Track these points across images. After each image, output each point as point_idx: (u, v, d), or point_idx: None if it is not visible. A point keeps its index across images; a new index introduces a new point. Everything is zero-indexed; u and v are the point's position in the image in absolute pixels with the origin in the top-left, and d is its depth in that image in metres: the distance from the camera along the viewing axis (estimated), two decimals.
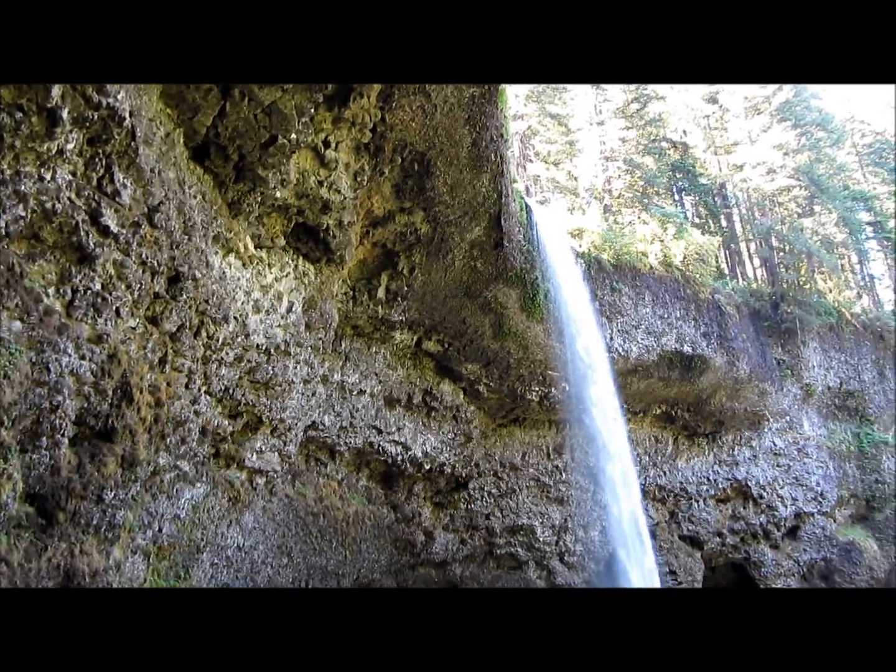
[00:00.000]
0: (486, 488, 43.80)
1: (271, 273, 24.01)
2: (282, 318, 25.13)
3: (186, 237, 18.24)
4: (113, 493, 17.88)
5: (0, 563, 15.67)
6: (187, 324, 21.00)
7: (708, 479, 52.48)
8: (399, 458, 36.85)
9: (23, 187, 12.71)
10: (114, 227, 15.42)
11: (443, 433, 38.34)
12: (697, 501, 53.55)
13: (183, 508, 24.30)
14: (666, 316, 42.25)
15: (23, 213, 12.97)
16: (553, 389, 38.43)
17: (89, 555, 17.71)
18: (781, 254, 61.52)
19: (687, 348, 42.50)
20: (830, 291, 59.64)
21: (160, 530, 23.47)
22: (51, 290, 14.74)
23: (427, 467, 38.61)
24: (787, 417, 53.78)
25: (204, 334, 22.04)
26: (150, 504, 23.09)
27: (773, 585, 55.65)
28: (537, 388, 38.12)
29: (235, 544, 27.29)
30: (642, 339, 40.78)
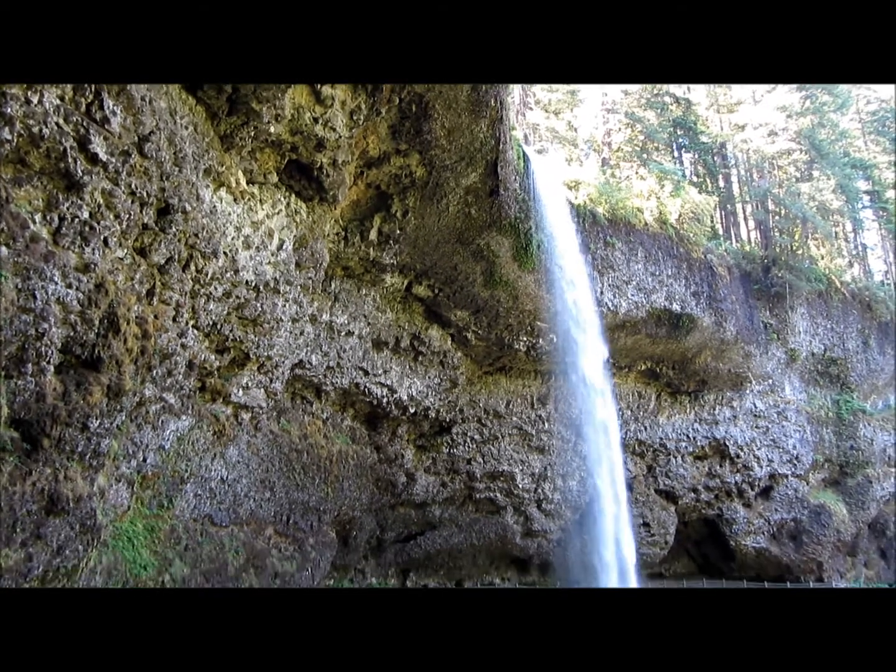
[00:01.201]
0: (468, 434, 44.44)
1: (263, 209, 23.78)
2: (272, 255, 24.99)
3: (177, 168, 17.98)
4: (98, 422, 18.04)
5: None
6: (176, 257, 20.87)
7: (687, 437, 53.39)
8: (384, 400, 37.21)
9: (9, 109, 12.46)
10: (103, 155, 15.16)
11: (429, 378, 38.65)
12: (675, 457, 54.57)
13: (168, 440, 24.57)
14: (657, 273, 42.28)
15: (9, 137, 12.74)
16: (541, 340, 38.67)
17: (73, 481, 17.96)
18: (777, 217, 61.25)
19: (676, 306, 42.68)
20: (822, 258, 59.72)
21: (144, 460, 23.77)
22: (37, 217, 14.55)
23: (412, 410, 39.04)
24: (770, 380, 54.43)
25: (193, 268, 21.93)
26: (135, 434, 23.33)
27: (743, 542, 57.14)
28: (525, 338, 38.33)
29: (219, 477, 27.70)
30: (632, 295, 40.88)
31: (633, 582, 41.10)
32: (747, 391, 53.66)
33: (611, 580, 40.06)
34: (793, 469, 56.57)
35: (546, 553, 52.24)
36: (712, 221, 56.10)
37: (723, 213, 67.98)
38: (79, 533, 18.18)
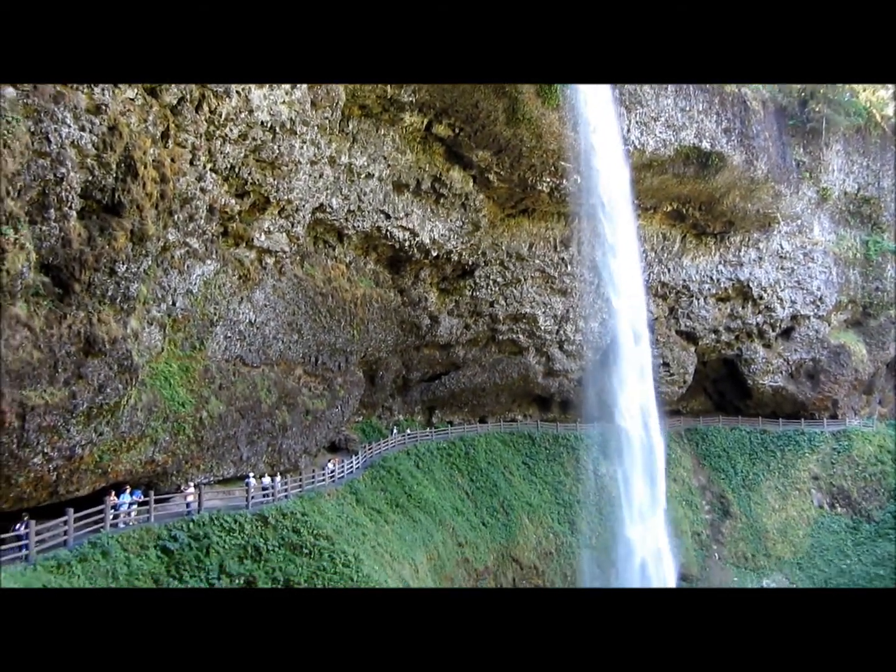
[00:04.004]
0: (491, 277, 44.67)
1: None
2: (286, 94, 24.20)
3: None
4: (125, 266, 18.42)
5: (23, 328, 16.61)
6: (188, 97, 20.32)
7: (711, 279, 53.24)
8: (406, 243, 37.21)
9: None
10: None
11: (451, 221, 38.36)
12: (698, 299, 54.76)
13: (195, 284, 25.07)
14: (688, 108, 40.40)
15: None
16: (564, 181, 37.81)
17: (107, 323, 18.64)
18: None
19: (706, 144, 41.12)
20: (864, 90, 56.24)
21: (174, 304, 24.42)
22: None
23: (434, 254, 39.10)
24: (799, 221, 53.29)
25: (206, 108, 21.39)
26: (162, 278, 23.82)
27: (761, 381, 58.42)
28: (548, 179, 37.47)
29: (247, 320, 28.47)
30: (661, 132, 39.32)
31: (654, 418, 42.55)
32: (774, 232, 52.72)
33: (630, 418, 41.57)
34: (815, 310, 56.64)
35: (567, 392, 54.00)
36: None
37: None
38: (117, 372, 19.11)
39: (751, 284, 53.73)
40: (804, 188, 51.41)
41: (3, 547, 17.35)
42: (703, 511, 53.69)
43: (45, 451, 17.21)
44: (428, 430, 48.24)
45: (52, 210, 16.18)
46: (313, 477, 30.25)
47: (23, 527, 18.23)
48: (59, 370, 17.03)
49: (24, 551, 17.34)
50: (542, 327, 48.50)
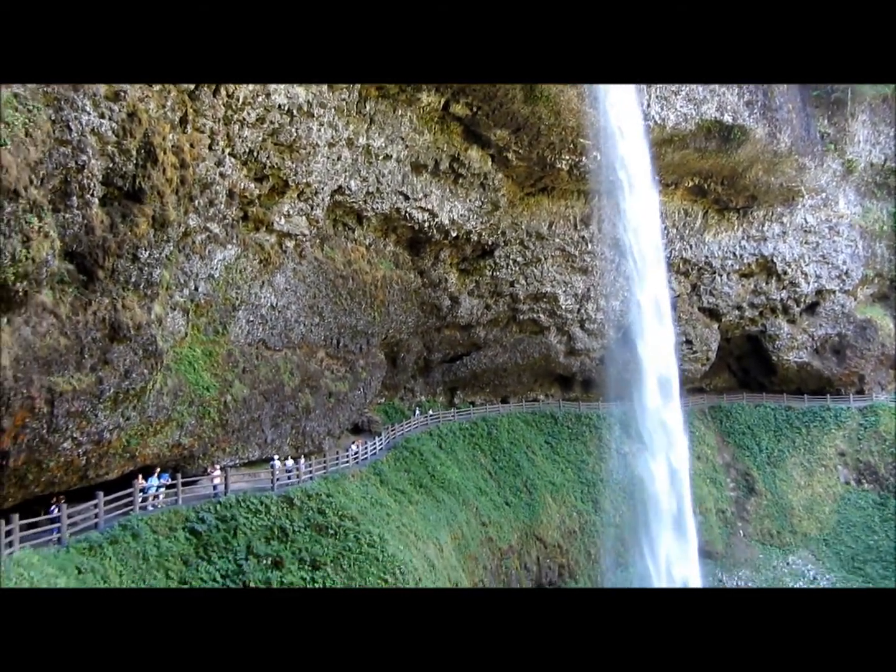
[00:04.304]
0: (511, 256, 44.46)
1: None
2: None
3: None
4: (147, 253, 18.58)
5: (50, 315, 16.84)
6: None
7: (734, 254, 52.57)
8: (426, 224, 37.11)
9: None
10: None
11: (470, 201, 38.17)
12: (721, 275, 54.13)
13: (216, 269, 25.24)
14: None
15: None
16: (584, 158, 37.42)
17: (131, 309, 18.84)
18: None
19: (728, 117, 40.43)
20: None
21: (196, 289, 24.62)
22: None
23: (454, 234, 38.97)
24: (824, 194, 52.35)
25: (223, 93, 21.41)
26: (184, 264, 24.00)
27: (785, 357, 57.80)
28: (567, 157, 37.12)
29: (269, 304, 28.63)
30: (681, 106, 38.71)
31: (675, 395, 42.31)
32: (799, 206, 51.86)
33: (651, 393, 41.38)
34: (841, 285, 55.78)
35: (589, 370, 53.83)
36: None
37: None
38: (142, 357, 19.35)
39: (774, 259, 53.00)
40: (829, 160, 50.48)
41: (37, 530, 17.76)
42: (728, 488, 53.48)
43: (75, 435, 17.51)
44: (450, 410, 48.37)
45: (75, 197, 16.33)
46: (337, 459, 30.51)
47: (56, 510, 18.77)
48: (86, 356, 17.27)
49: (56, 534, 17.74)
50: (563, 306, 48.29)
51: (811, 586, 46.73)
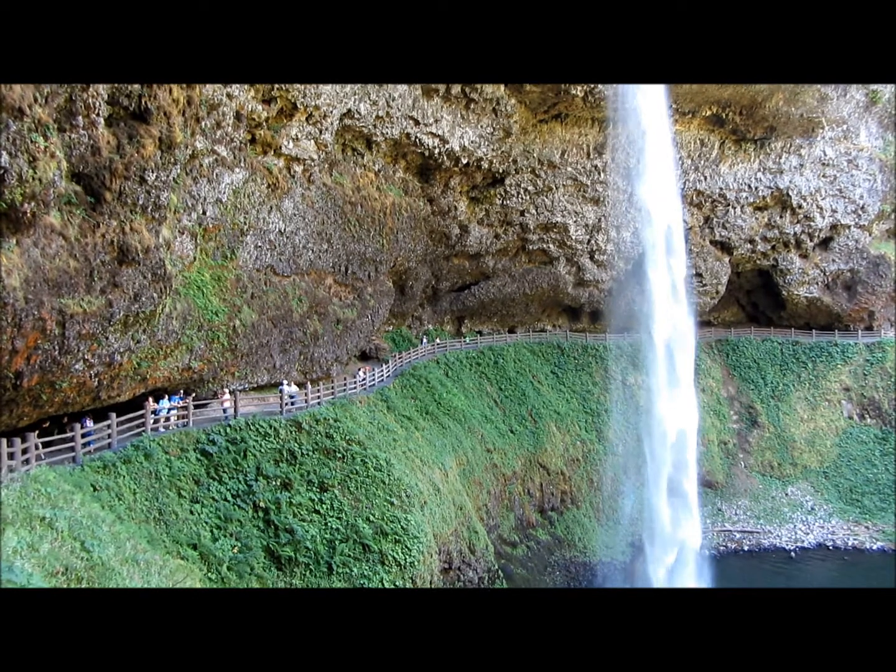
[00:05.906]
0: (522, 185, 43.82)
1: None
2: None
3: None
4: (154, 175, 18.37)
5: (58, 237, 16.80)
6: None
7: (749, 187, 51.59)
8: (436, 150, 36.46)
9: None
10: None
11: (481, 127, 37.38)
12: (734, 208, 53.27)
13: (224, 192, 25.00)
14: None
15: None
16: (600, 84, 36.40)
17: (139, 232, 18.77)
18: None
19: None
20: None
21: (204, 213, 24.45)
22: None
23: (464, 161, 38.31)
24: (845, 126, 50.93)
25: None
26: (192, 187, 23.77)
27: (796, 292, 57.41)
28: None
29: (277, 229, 28.45)
30: None
31: (689, 327, 42.23)
32: (818, 138, 50.57)
33: (660, 328, 41.38)
34: (856, 219, 54.88)
35: (597, 302, 53.74)
36: None
37: None
38: (151, 281, 19.38)
39: (790, 193, 52.03)
40: (852, 91, 48.89)
41: (52, 448, 18.21)
42: (731, 421, 54.02)
43: (86, 357, 17.72)
44: (457, 339, 48.63)
45: (80, 117, 16.06)
46: (345, 385, 30.88)
47: (88, 423, 19.98)
48: (95, 279, 17.31)
49: (72, 453, 18.19)
50: (573, 237, 47.87)
51: (808, 516, 47.74)
